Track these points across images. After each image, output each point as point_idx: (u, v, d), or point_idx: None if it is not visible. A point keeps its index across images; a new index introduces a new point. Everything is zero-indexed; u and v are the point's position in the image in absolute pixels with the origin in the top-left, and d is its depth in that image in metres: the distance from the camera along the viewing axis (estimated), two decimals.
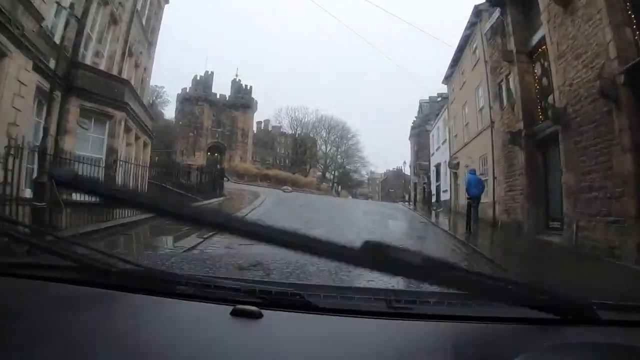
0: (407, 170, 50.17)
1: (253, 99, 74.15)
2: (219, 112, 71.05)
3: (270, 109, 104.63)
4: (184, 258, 2.05)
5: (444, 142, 28.28)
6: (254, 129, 79.40)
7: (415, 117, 50.43)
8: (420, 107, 49.18)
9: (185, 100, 69.46)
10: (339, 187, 71.46)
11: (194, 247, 7.06)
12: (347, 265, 1.05)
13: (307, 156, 78.87)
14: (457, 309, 1.06)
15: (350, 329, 0.99)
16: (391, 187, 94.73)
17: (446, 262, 0.87)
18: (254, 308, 1.00)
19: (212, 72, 71.65)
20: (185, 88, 70.63)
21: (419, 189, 41.66)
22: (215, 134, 70.48)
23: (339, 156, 79.48)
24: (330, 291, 1.16)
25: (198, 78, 70.44)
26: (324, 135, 79.72)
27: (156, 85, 68.78)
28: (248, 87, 74.08)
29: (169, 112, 73.22)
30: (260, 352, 0.87)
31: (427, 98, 47.65)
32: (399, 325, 1.01)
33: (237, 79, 74.19)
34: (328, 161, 79.91)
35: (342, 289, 1.20)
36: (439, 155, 30.38)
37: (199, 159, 64.86)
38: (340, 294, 1.13)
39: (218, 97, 71.73)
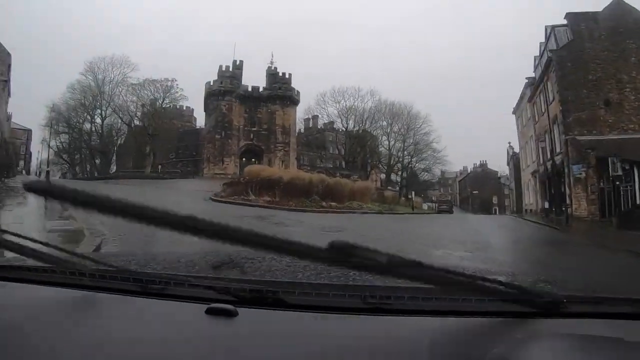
0: (501, 165, 34.06)
1: (294, 89, 60.33)
2: (252, 107, 57.87)
3: (312, 98, 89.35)
4: (156, 256, 1.93)
5: None
6: (299, 126, 65.74)
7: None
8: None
9: (210, 96, 57.00)
10: (411, 192, 54.46)
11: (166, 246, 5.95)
12: (314, 264, 1.19)
13: (366, 154, 63.61)
14: (431, 303, 1.06)
15: (326, 326, 1.01)
16: (475, 188, 77.42)
17: (413, 260, 0.91)
18: (229, 306, 1.00)
19: (242, 61, 58.36)
20: (209, 82, 58.07)
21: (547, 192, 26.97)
22: (250, 134, 57.29)
23: (405, 152, 63.26)
24: (306, 288, 1.16)
25: (224, 69, 57.41)
26: (385, 125, 64.16)
27: (165, 78, 57.33)
28: (286, 75, 60.13)
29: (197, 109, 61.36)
30: (236, 350, 0.89)
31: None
32: (374, 321, 1.03)
33: (273, 67, 60.64)
34: (393, 160, 63.99)
35: (317, 286, 1.19)
36: None
37: (230, 166, 51.57)
38: (315, 291, 1.13)
39: (250, 89, 58.43)
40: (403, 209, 35.74)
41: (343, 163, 63.34)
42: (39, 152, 69.90)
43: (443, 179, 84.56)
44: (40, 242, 1.25)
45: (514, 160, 49.92)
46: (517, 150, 45.94)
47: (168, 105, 58.49)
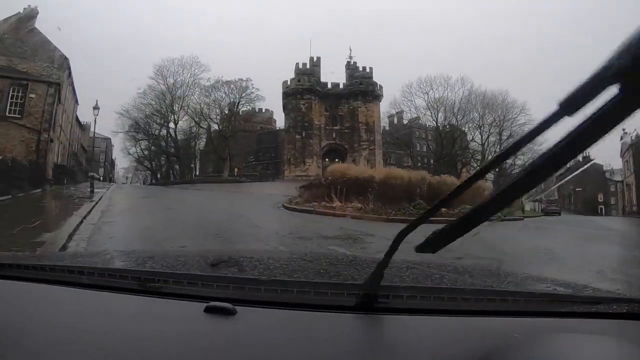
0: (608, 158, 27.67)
1: (376, 83, 55.60)
2: (333, 105, 54.19)
3: (395, 90, 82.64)
4: (155, 254, 1.97)
5: None
6: (383, 123, 60.72)
7: None
8: None
9: (288, 95, 54.05)
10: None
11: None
12: (289, 275, 1.29)
13: (457, 150, 57.25)
14: (430, 302, 1.08)
15: (324, 324, 1.01)
16: (577, 185, 67.65)
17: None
18: (227, 304, 1.00)
19: (319, 58, 54.99)
20: (286, 81, 55.16)
21: None
22: (331, 133, 53.69)
23: (501, 146, 56.00)
24: (305, 286, 1.17)
25: (300, 66, 54.28)
26: (476, 117, 57.37)
27: (240, 79, 54.90)
28: (367, 70, 55.68)
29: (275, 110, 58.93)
30: (235, 349, 0.90)
31: None
32: (372, 320, 1.03)
33: (352, 61, 56.43)
34: (486, 155, 57.09)
35: (316, 284, 1.20)
36: None
37: (312, 167, 48.27)
38: (314, 289, 1.14)
39: (330, 86, 54.85)
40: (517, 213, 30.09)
41: (431, 161, 57.47)
42: (114, 159, 72.18)
43: None
44: (38, 243, 1.16)
45: (634, 150, 41.56)
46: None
47: (247, 108, 56.78)
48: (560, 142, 0.56)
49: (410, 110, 60.18)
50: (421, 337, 0.95)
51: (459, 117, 57.02)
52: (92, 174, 43.79)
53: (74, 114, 44.24)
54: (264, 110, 61.84)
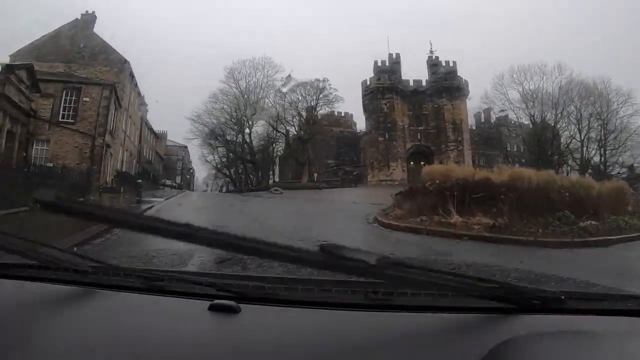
0: None
1: (461, 78, 51.70)
2: (416, 104, 50.84)
3: (479, 86, 76.11)
4: (159, 254, 1.93)
5: None
6: (470, 121, 56.02)
7: None
8: None
9: (369, 95, 51.33)
10: None
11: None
12: (304, 267, 1.16)
13: (554, 148, 51.23)
14: (434, 299, 1.07)
15: (328, 322, 1.01)
16: None
17: (400, 261, 0.98)
18: (231, 303, 1.01)
19: (398, 54, 51.88)
20: (366, 80, 52.51)
21: None
22: (416, 134, 50.35)
23: (606, 142, 49.39)
24: (308, 284, 1.16)
25: (379, 64, 51.46)
26: (574, 111, 50.87)
27: (316, 79, 52.90)
28: (450, 64, 51.73)
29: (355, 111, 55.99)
30: (239, 347, 0.90)
31: None
32: (377, 317, 1.04)
33: (434, 56, 52.78)
34: (586, 153, 50.65)
35: (319, 282, 1.17)
36: None
37: (396, 171, 45.22)
38: (318, 287, 1.13)
39: (412, 84, 51.54)
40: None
41: (522, 161, 51.74)
42: (190, 166, 72.48)
43: None
44: (40, 242, 1.27)
45: None
46: None
47: (325, 110, 54.64)
48: None
49: (503, 104, 54.45)
50: (426, 335, 0.96)
51: (557, 109, 50.94)
52: (164, 181, 42.31)
53: (141, 120, 44.33)
54: (343, 114, 59.02)
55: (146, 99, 44.45)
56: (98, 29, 33.52)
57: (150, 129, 51.15)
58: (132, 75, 36.26)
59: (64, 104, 26.31)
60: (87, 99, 26.65)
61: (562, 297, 1.05)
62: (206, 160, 58.85)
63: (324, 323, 1.01)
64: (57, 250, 1.24)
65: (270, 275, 1.29)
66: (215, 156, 57.37)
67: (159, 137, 55.04)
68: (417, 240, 10.22)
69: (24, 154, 22.64)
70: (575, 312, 1.07)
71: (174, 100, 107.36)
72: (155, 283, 1.15)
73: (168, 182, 46.44)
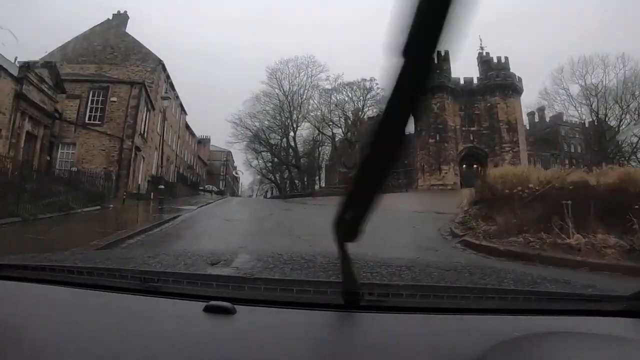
0: None
1: (514, 74, 47.99)
2: (467, 103, 47.39)
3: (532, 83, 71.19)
4: (154, 255, 1.91)
5: None
6: (525, 120, 52.26)
7: None
8: None
9: None
10: None
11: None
12: (300, 270, 1.28)
13: (616, 148, 47.08)
14: (429, 300, 1.09)
15: (323, 323, 1.02)
16: None
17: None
18: (227, 304, 1.01)
19: (447, 51, 47.71)
20: None
21: None
22: (468, 135, 46.83)
23: None
24: (304, 285, 1.16)
25: None
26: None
27: (363, 79, 50.03)
28: (502, 60, 48.25)
29: None
30: (235, 348, 0.90)
31: None
32: (372, 318, 1.04)
33: (484, 52, 49.24)
34: None
35: (314, 283, 1.20)
36: None
37: (449, 175, 42.29)
38: (313, 288, 1.13)
39: (462, 82, 48.20)
40: None
41: (576, 162, 47.46)
42: (234, 171, 70.82)
43: None
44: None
45: None
46: None
47: (373, 113, 49.82)
48: None
49: (563, 100, 50.36)
50: (421, 336, 0.96)
51: (621, 104, 46.69)
52: (207, 186, 40.03)
53: (179, 123, 42.27)
54: None
55: (185, 103, 42.93)
56: (134, 30, 32.17)
57: (192, 133, 49.48)
58: (167, 76, 34.32)
59: (90, 104, 24.47)
60: (115, 99, 24.78)
61: (556, 298, 1.08)
62: (250, 165, 56.87)
63: (319, 324, 1.01)
64: (53, 252, 0.99)
65: (265, 277, 1.27)
66: (260, 161, 55.24)
67: (202, 141, 53.60)
68: (531, 270, 6.93)
69: (48, 158, 20.89)
70: (567, 313, 1.07)
71: (217, 104, 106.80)
72: (150, 284, 1.15)
73: (209, 187, 44.69)
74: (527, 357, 0.85)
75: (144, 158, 27.33)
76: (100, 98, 24.63)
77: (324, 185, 52.65)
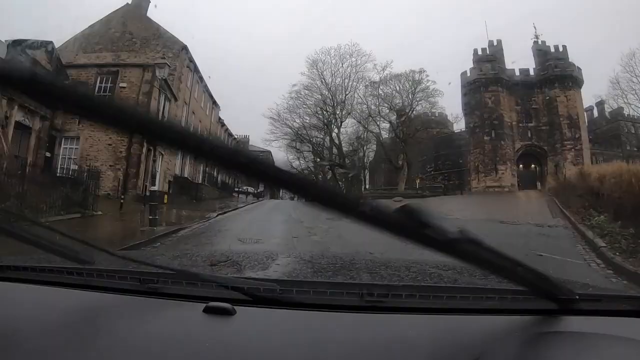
0: None
1: (573, 65, 43.23)
2: (524, 96, 43.00)
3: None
4: (153, 255, 1.96)
5: None
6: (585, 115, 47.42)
7: None
8: None
9: (469, 89, 43.84)
10: None
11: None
12: (288, 275, 1.20)
13: None
14: (429, 301, 1.08)
15: (324, 324, 1.01)
16: None
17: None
18: (227, 305, 1.01)
19: (500, 40, 44.70)
20: (465, 71, 45.02)
21: None
22: (526, 132, 42.45)
23: None
24: (303, 286, 1.16)
25: (480, 52, 44.41)
26: None
27: (411, 70, 44.49)
28: (560, 49, 43.87)
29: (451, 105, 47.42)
30: (235, 349, 0.90)
31: None
32: (372, 319, 1.04)
33: (538, 40, 44.58)
34: None
35: (315, 284, 1.19)
36: None
37: (506, 176, 38.54)
38: (313, 289, 1.13)
39: (517, 73, 43.77)
40: None
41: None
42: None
43: None
44: (38, 244, 1.22)
45: None
46: None
47: (422, 107, 45.54)
48: None
49: (635, 92, 44.91)
50: (420, 336, 0.95)
51: None
52: (245, 188, 37.67)
53: (210, 118, 38.82)
54: (437, 114, 49.08)
55: (218, 99, 39.91)
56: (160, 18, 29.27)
57: (228, 132, 46.52)
58: (193, 64, 30.93)
59: (98, 92, 20.92)
60: (125, 85, 21.58)
61: (577, 297, 1.04)
62: (292, 166, 53.76)
63: (319, 325, 1.00)
64: (51, 252, 1.21)
65: (265, 278, 1.26)
66: (302, 161, 50.33)
67: (239, 141, 50.65)
68: None
69: (47, 154, 18.23)
70: (566, 312, 1.04)
71: (255, 102, 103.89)
72: (150, 285, 1.14)
73: (246, 189, 41.73)
74: (528, 357, 0.84)
75: (162, 155, 23.82)
76: (109, 85, 21.64)
77: (367, 187, 48.81)
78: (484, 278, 1.19)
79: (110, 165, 19.93)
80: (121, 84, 21.68)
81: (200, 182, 30.62)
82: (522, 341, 0.89)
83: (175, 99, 26.26)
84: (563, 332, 0.93)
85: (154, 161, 20.80)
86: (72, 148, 20.65)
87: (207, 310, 1.00)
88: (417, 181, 38.66)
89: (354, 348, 0.91)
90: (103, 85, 21.63)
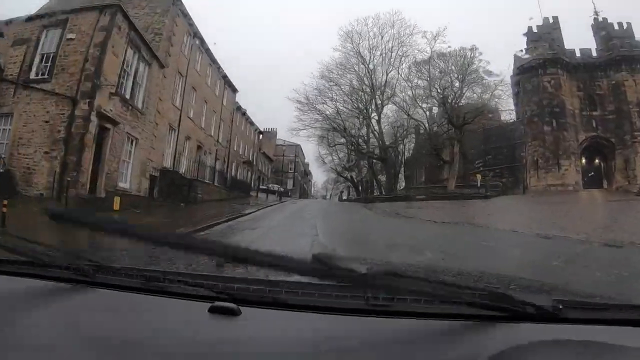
0: None
1: None
2: (586, 80, 36.88)
3: None
4: (160, 254, 1.97)
5: None
6: None
7: None
8: None
9: (524, 71, 37.68)
10: None
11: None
12: (294, 276, 1.14)
13: None
14: (434, 306, 1.08)
15: (328, 327, 1.02)
16: None
17: (392, 270, 1.01)
18: (232, 305, 1.02)
19: (556, 17, 38.91)
20: (520, 50, 38.70)
21: None
22: (590, 122, 36.37)
23: None
24: (309, 288, 1.15)
25: (535, 29, 38.56)
26: None
27: (462, 47, 38.05)
28: (624, 26, 37.75)
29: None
30: (239, 350, 0.90)
31: None
32: (376, 322, 1.04)
33: (598, 16, 38.66)
34: None
35: (320, 287, 1.17)
36: None
37: (569, 172, 33.04)
38: (318, 292, 1.13)
39: (578, 55, 37.81)
40: None
41: None
42: (303, 168, 62.98)
43: None
44: (37, 243, 1.25)
45: None
46: None
47: (471, 92, 38.11)
48: None
49: None
50: (425, 341, 0.96)
51: None
52: (270, 185, 30.75)
53: (222, 100, 32.62)
54: (488, 101, 40.73)
55: (241, 84, 34.35)
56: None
57: (249, 120, 40.33)
58: (189, 21, 24.70)
59: (42, 51, 15.96)
60: (73, 36, 15.88)
61: (560, 306, 1.04)
62: (324, 162, 47.52)
63: (324, 328, 1.01)
64: (57, 248, 1.23)
65: (271, 279, 1.24)
66: (335, 156, 44.86)
67: (265, 134, 45.27)
68: None
69: None
70: (571, 321, 1.05)
71: (282, 94, 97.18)
72: (155, 283, 1.15)
73: (272, 187, 36.49)
74: None
75: (136, 140, 18.45)
76: (55, 40, 16.14)
77: (407, 183, 43.08)
78: (493, 284, 1.17)
79: (46, 153, 14.54)
80: (69, 36, 15.89)
81: (199, 178, 24.38)
82: (523, 348, 0.88)
83: (161, 65, 20.47)
84: (569, 341, 0.91)
85: (120, 147, 15.77)
86: (5, 129, 15.22)
87: (212, 310, 1.00)
88: (479, 177, 32.40)
89: (358, 352, 0.91)
90: (48, 41, 16.19)
